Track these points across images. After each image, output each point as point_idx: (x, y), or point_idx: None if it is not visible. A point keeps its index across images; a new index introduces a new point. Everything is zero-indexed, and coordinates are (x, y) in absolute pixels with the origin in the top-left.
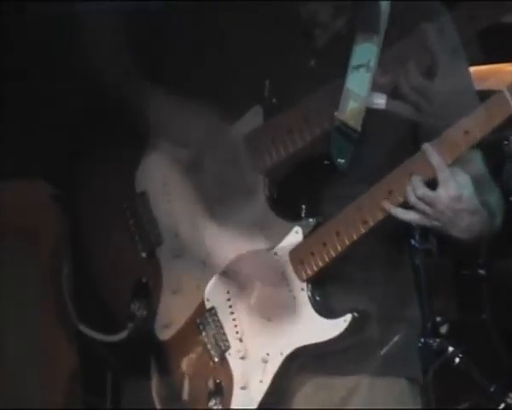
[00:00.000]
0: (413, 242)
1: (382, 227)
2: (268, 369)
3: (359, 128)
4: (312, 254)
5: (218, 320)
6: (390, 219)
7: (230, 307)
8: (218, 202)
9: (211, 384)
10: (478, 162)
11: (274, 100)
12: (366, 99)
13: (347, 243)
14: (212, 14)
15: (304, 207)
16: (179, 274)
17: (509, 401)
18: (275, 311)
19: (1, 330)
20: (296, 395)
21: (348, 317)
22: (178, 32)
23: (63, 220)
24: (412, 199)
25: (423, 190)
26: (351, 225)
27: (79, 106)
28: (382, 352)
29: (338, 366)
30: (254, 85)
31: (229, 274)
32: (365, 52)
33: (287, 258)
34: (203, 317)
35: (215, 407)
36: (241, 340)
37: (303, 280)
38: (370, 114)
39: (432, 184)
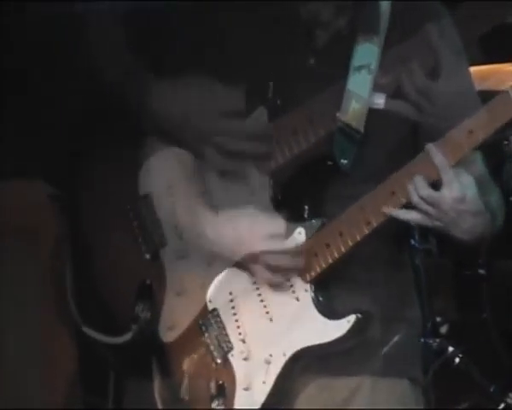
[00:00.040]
0: (413, 242)
1: (384, 228)
2: (271, 370)
3: (362, 129)
4: (316, 255)
5: (221, 322)
6: (393, 220)
7: (233, 308)
8: (222, 203)
9: (213, 386)
10: (478, 163)
11: (278, 101)
12: (368, 100)
13: (351, 243)
14: (213, 14)
15: (307, 208)
16: (183, 276)
17: (509, 401)
18: (278, 312)
19: (1, 330)
20: (298, 395)
21: (352, 318)
22: (178, 32)
23: (63, 221)
24: (415, 199)
25: (427, 191)
26: (354, 226)
27: (80, 106)
28: (384, 351)
29: (340, 367)
30: (256, 86)
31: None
32: (366, 53)
33: None
34: (206, 318)
35: (218, 409)
36: (243, 341)
37: (306, 281)
38: (373, 114)
39: (435, 185)
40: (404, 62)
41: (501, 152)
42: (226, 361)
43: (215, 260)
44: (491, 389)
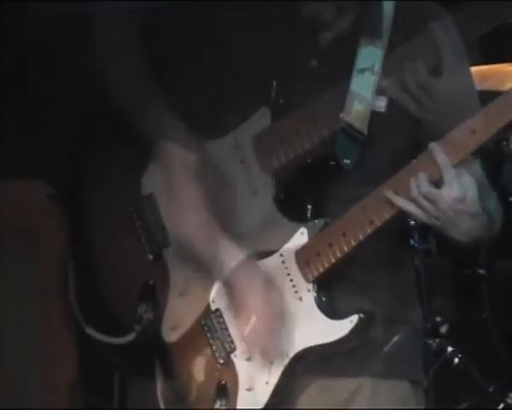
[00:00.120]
0: (412, 242)
1: (387, 229)
2: (274, 370)
3: (365, 131)
4: (318, 255)
5: (224, 322)
6: (396, 220)
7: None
8: (225, 203)
9: (216, 386)
10: (476, 168)
11: (281, 101)
12: (371, 102)
13: (353, 243)
14: (214, 14)
15: (310, 207)
16: (186, 276)
17: (508, 401)
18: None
19: (1, 330)
20: (300, 396)
21: (354, 318)
22: (179, 32)
23: (63, 221)
24: (414, 193)
25: (427, 187)
26: (357, 226)
27: (80, 106)
28: (385, 350)
29: (341, 368)
30: (259, 86)
31: (231, 284)
32: (370, 55)
33: (293, 259)
34: (208, 319)
35: (220, 409)
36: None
37: (309, 281)
38: (376, 117)
39: (436, 184)
40: (408, 59)
41: (500, 152)
42: (229, 362)
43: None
44: (491, 389)
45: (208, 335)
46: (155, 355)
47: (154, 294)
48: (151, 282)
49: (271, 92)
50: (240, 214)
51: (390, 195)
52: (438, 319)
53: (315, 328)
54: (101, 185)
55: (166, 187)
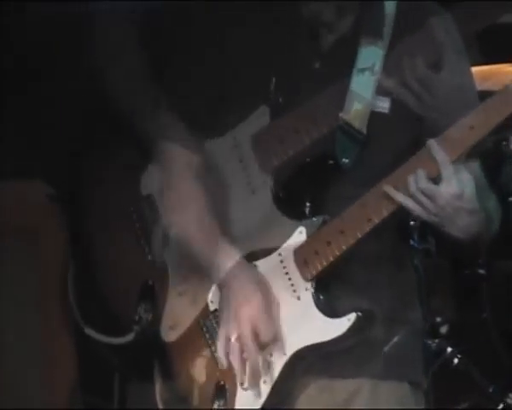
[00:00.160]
0: (412, 242)
1: (386, 227)
2: (272, 370)
3: (364, 130)
4: (317, 253)
5: None
6: (394, 219)
7: None
8: (224, 202)
9: (215, 386)
10: (475, 168)
11: (280, 99)
12: (371, 102)
13: (352, 241)
14: (214, 14)
15: (308, 206)
16: (185, 276)
17: (508, 401)
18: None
19: (1, 330)
20: (299, 396)
21: (352, 316)
22: (179, 32)
23: (63, 221)
24: (413, 189)
25: (426, 183)
26: (355, 224)
27: (80, 106)
28: (386, 349)
29: (341, 369)
30: (259, 86)
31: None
32: (370, 55)
33: (291, 258)
34: (207, 319)
35: (219, 409)
36: None
37: (307, 280)
38: (375, 117)
39: (435, 181)
40: (407, 55)
41: (500, 153)
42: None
43: None
44: (491, 390)
45: (207, 335)
46: (154, 355)
47: (153, 294)
48: (150, 282)
49: (270, 90)
50: (238, 213)
51: (389, 189)
52: (438, 319)
53: (313, 327)
54: (101, 185)
55: (166, 187)
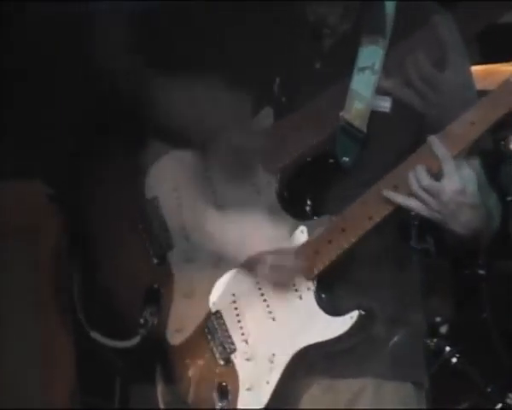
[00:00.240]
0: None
1: (389, 226)
2: (274, 370)
3: (365, 129)
4: (318, 252)
5: (224, 323)
6: (396, 216)
7: (236, 309)
8: (229, 203)
9: (217, 387)
10: (477, 168)
11: (283, 99)
12: (371, 101)
13: (353, 240)
14: (215, 14)
15: (309, 205)
16: (191, 278)
17: (508, 401)
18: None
19: (1, 330)
20: (302, 397)
21: (355, 314)
22: (179, 32)
23: (63, 221)
24: (415, 187)
25: (428, 180)
26: (356, 222)
27: (80, 106)
28: (389, 348)
29: (344, 369)
30: (262, 87)
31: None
32: (371, 54)
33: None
34: (209, 320)
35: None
36: (246, 342)
37: (309, 279)
38: (377, 117)
39: (436, 178)
40: (410, 54)
41: (499, 152)
42: (229, 362)
43: (222, 262)
44: (489, 389)
45: (209, 337)
46: (160, 358)
47: (158, 297)
48: (156, 285)
49: (274, 90)
50: (243, 213)
51: (388, 194)
52: (437, 319)
53: (315, 326)
54: (106, 189)
55: (170, 190)
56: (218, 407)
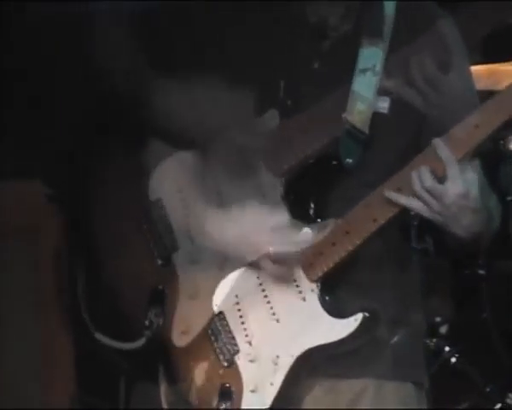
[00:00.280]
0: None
1: (392, 227)
2: (278, 371)
3: (367, 130)
4: (322, 254)
5: (227, 325)
6: (400, 218)
7: (239, 310)
8: (233, 203)
9: (220, 388)
10: (476, 166)
11: (289, 102)
12: (373, 102)
13: (357, 242)
14: (215, 14)
15: (313, 207)
16: (196, 279)
17: (508, 401)
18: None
19: (1, 330)
20: (305, 397)
21: (359, 316)
22: (179, 32)
23: (63, 221)
24: (418, 188)
25: (431, 182)
26: (360, 224)
27: (80, 106)
28: (388, 354)
29: (346, 370)
30: (267, 88)
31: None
32: (371, 56)
33: None
34: (212, 322)
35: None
36: (250, 343)
37: (312, 281)
38: (379, 118)
39: (440, 181)
40: (416, 55)
41: (498, 152)
42: (233, 364)
43: (227, 264)
44: (489, 389)
45: (212, 338)
46: (162, 359)
47: (163, 299)
48: (160, 287)
49: (279, 93)
50: (248, 214)
51: (391, 195)
52: (437, 319)
53: (319, 328)
54: (110, 191)
55: (174, 191)
56: (221, 408)
